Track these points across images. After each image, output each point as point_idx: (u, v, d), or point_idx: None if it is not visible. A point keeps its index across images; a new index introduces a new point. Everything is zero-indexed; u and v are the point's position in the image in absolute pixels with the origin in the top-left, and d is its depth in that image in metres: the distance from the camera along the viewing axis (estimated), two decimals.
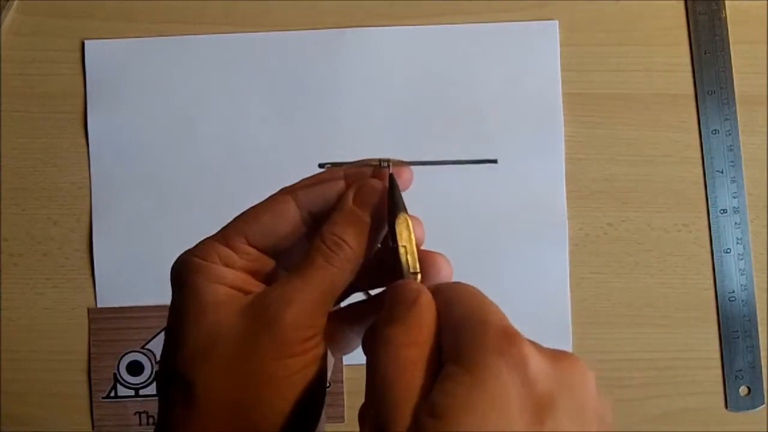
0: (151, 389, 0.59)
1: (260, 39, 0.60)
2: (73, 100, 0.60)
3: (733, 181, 0.59)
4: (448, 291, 0.27)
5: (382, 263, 0.32)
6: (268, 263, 0.32)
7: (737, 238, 0.59)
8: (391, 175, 0.31)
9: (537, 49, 0.60)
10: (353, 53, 0.60)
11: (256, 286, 0.31)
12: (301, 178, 0.33)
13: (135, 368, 0.59)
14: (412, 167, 0.32)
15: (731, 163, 0.59)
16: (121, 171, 0.59)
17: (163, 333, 0.57)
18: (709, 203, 0.59)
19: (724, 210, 0.59)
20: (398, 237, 0.30)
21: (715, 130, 0.59)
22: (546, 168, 0.59)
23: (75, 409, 0.59)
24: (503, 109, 0.59)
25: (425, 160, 0.33)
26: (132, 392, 0.59)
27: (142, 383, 0.59)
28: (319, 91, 0.60)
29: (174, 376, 0.29)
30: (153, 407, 0.59)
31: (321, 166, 0.32)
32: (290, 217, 0.32)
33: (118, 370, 0.59)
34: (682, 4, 0.60)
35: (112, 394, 0.59)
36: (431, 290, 0.27)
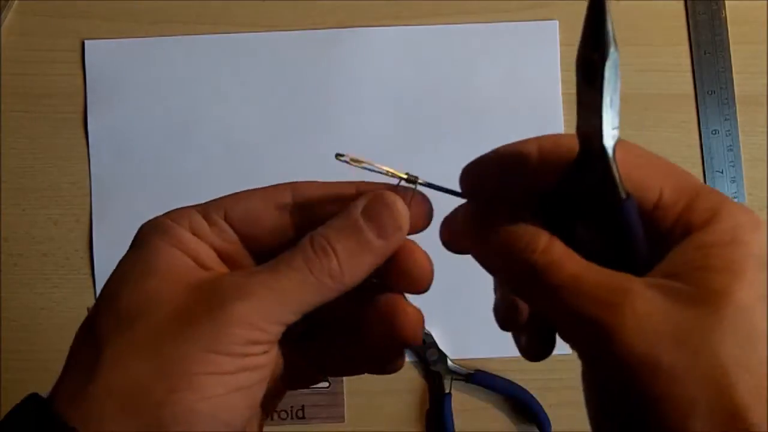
0: None
1: (260, 39, 0.60)
2: (73, 100, 0.60)
3: (733, 181, 0.59)
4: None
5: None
6: (243, 254, 0.28)
7: None
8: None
9: (537, 49, 0.60)
10: (353, 53, 0.60)
11: (220, 268, 0.27)
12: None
13: None
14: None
15: (731, 164, 0.59)
16: (121, 171, 0.59)
17: None
18: None
19: None
20: None
21: (715, 130, 0.59)
22: None
23: None
24: (503, 109, 0.59)
25: (447, 187, 0.29)
26: None
27: None
28: (319, 91, 0.60)
29: (87, 334, 0.26)
30: None
31: (338, 156, 0.28)
32: (280, 210, 0.28)
33: None
34: (682, 4, 0.60)
35: None
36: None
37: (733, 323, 0.21)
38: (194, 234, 0.27)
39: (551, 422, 0.57)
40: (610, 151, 0.23)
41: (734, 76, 0.59)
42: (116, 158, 0.59)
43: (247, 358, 0.25)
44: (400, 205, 0.27)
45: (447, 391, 0.57)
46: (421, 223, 0.29)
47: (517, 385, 0.57)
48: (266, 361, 0.26)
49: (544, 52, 0.60)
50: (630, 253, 0.24)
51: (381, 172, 0.27)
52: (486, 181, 0.28)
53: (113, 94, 0.60)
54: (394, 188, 0.28)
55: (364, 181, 0.29)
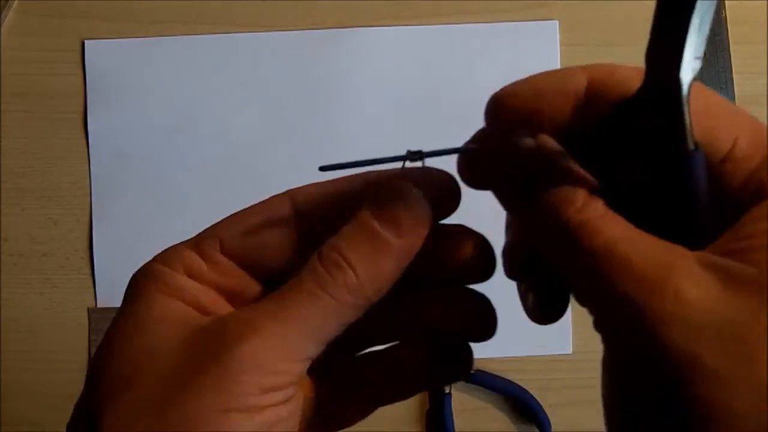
0: None
1: (259, 39, 0.60)
2: (73, 100, 0.60)
3: None
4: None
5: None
6: (250, 285, 0.25)
7: None
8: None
9: (537, 49, 0.60)
10: (353, 53, 0.60)
11: (226, 309, 0.24)
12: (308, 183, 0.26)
13: None
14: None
15: None
16: (121, 171, 0.59)
17: None
18: None
19: None
20: None
21: None
22: None
23: None
24: None
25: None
26: None
27: None
28: (319, 91, 0.60)
29: (81, 407, 0.22)
30: None
31: (322, 169, 0.24)
32: (282, 226, 0.24)
33: None
34: None
35: None
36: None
37: None
38: (190, 276, 0.24)
39: (551, 422, 0.57)
40: (685, 87, 0.19)
41: (734, 76, 0.59)
42: (116, 158, 0.59)
43: (267, 410, 0.21)
44: (414, 193, 0.23)
45: (447, 391, 0.57)
46: (446, 205, 0.25)
47: (517, 385, 0.57)
48: (291, 410, 0.22)
49: (544, 52, 0.60)
50: (688, 218, 0.20)
51: (378, 162, 0.23)
52: (518, 114, 0.23)
53: (113, 94, 0.60)
54: (403, 172, 0.24)
55: (369, 172, 0.25)
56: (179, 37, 0.60)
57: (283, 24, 0.60)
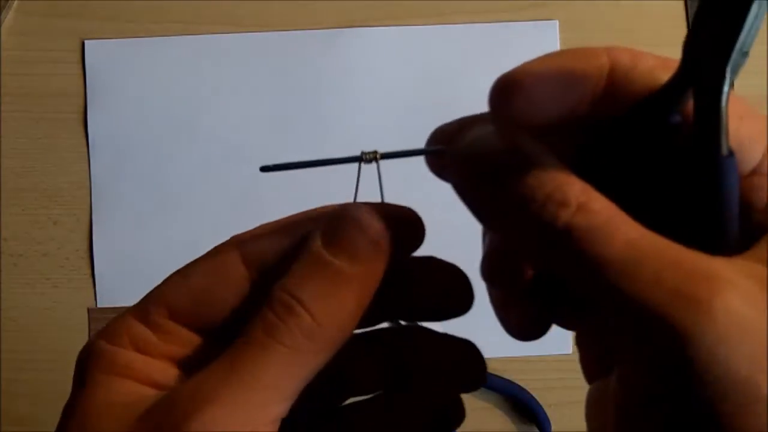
0: None
1: (260, 39, 0.60)
2: (73, 100, 0.60)
3: None
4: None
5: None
6: (205, 348, 0.22)
7: None
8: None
9: (537, 49, 0.59)
10: (353, 53, 0.60)
11: (180, 380, 0.21)
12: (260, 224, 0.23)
13: None
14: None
15: None
16: (121, 171, 0.59)
17: None
18: None
19: None
20: None
21: None
22: None
23: None
24: None
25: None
26: None
27: None
28: (319, 91, 0.60)
29: None
30: None
31: (263, 170, 0.23)
32: (233, 279, 0.22)
33: None
34: (682, 4, 0.60)
35: None
36: None
37: None
38: (139, 351, 0.21)
39: (551, 422, 0.57)
40: (726, 86, 0.17)
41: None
42: (116, 158, 0.59)
43: None
44: (366, 213, 0.21)
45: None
46: (410, 240, 0.22)
47: (517, 385, 0.57)
48: None
49: (544, 52, 0.59)
50: (717, 227, 0.18)
51: (328, 162, 0.21)
52: (534, 100, 0.19)
53: (113, 94, 0.60)
54: (362, 203, 0.21)
55: (324, 205, 0.23)
56: (179, 37, 0.60)
57: (283, 24, 0.60)
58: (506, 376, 0.57)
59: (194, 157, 0.59)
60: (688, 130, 0.18)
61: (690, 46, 0.18)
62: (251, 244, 0.22)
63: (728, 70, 0.17)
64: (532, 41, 0.60)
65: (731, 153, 0.18)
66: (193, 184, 0.59)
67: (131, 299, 0.60)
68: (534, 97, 0.19)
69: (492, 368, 0.57)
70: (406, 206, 0.22)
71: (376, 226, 0.21)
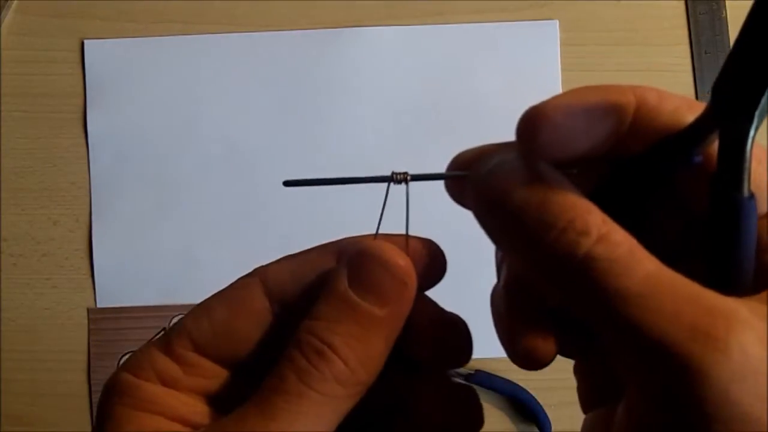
0: None
1: (260, 39, 0.60)
2: (73, 100, 0.60)
3: None
4: None
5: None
6: (229, 380, 0.22)
7: None
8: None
9: (537, 49, 0.60)
10: (353, 53, 0.60)
11: (210, 418, 0.21)
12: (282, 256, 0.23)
13: None
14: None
15: None
16: (121, 171, 0.59)
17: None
18: None
19: None
20: None
21: None
22: None
23: (75, 409, 0.59)
24: (503, 109, 0.59)
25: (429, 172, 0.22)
26: None
27: None
28: (319, 91, 0.60)
29: None
30: None
31: (286, 184, 0.22)
32: (255, 312, 0.22)
33: None
34: (682, 4, 0.60)
35: None
36: None
37: None
38: (165, 384, 0.21)
39: (551, 422, 0.57)
40: (753, 130, 0.17)
41: None
42: (116, 158, 0.59)
43: None
44: (392, 253, 0.20)
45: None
46: (431, 275, 0.22)
47: (517, 385, 0.57)
48: None
49: (544, 51, 0.60)
50: (732, 267, 0.18)
51: (356, 181, 0.21)
52: (559, 132, 0.19)
53: (113, 94, 0.60)
54: (378, 237, 0.21)
55: (345, 238, 0.22)
56: (179, 36, 0.60)
57: (284, 24, 0.60)
58: (506, 376, 0.57)
59: (194, 157, 0.59)
60: (709, 171, 0.18)
61: (720, 88, 0.18)
62: (273, 277, 0.22)
63: (757, 114, 0.17)
64: (532, 41, 0.60)
65: (752, 195, 0.18)
66: (192, 184, 0.59)
67: (131, 299, 0.60)
68: (561, 131, 0.19)
69: (492, 368, 0.57)
70: (427, 239, 0.22)
71: (401, 264, 0.20)
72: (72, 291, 0.59)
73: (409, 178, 0.21)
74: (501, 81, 0.59)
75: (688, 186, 0.19)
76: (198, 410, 0.21)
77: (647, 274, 0.17)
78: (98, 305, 0.59)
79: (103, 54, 0.60)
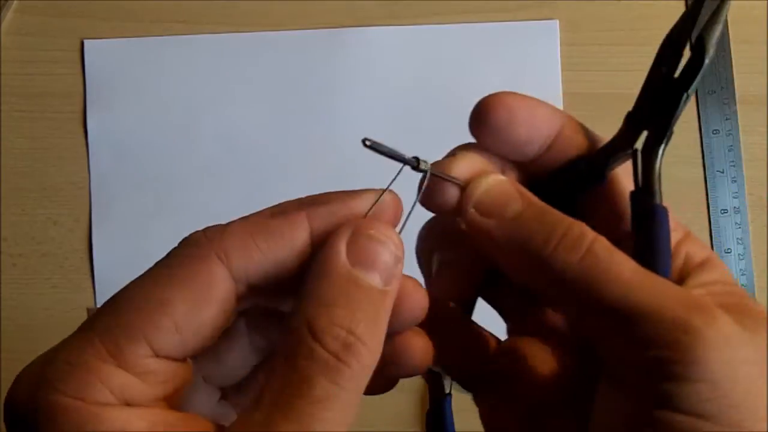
0: None
1: (260, 39, 0.60)
2: (73, 100, 0.60)
3: (733, 181, 0.59)
4: None
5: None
6: (188, 372, 0.20)
7: (737, 238, 0.59)
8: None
9: (537, 49, 0.60)
10: (353, 53, 0.60)
11: (170, 417, 0.18)
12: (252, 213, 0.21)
13: None
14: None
15: (732, 163, 0.59)
16: (121, 171, 0.59)
17: None
18: (710, 203, 0.59)
19: (724, 210, 0.59)
20: None
21: (715, 130, 0.59)
22: None
23: None
24: None
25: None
26: None
27: None
28: (319, 91, 0.60)
29: None
30: None
31: (365, 142, 0.22)
32: (220, 298, 0.19)
33: None
34: (682, 4, 0.60)
35: None
36: None
37: None
38: (128, 403, 0.18)
39: None
40: (662, 149, 0.22)
41: (735, 76, 0.59)
42: (116, 158, 0.59)
43: None
44: (390, 230, 0.20)
45: (447, 391, 0.57)
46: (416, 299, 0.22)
47: None
48: None
49: (544, 51, 0.60)
50: (654, 259, 0.22)
51: (393, 155, 0.22)
52: (506, 111, 0.24)
53: (113, 94, 0.60)
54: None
55: (306, 198, 0.21)
56: (179, 36, 0.60)
57: (284, 24, 0.60)
58: None
59: (194, 156, 0.59)
60: (615, 187, 0.23)
61: (635, 117, 0.24)
62: (236, 254, 0.19)
63: (665, 138, 0.23)
64: (532, 41, 0.60)
65: (663, 207, 0.22)
66: (192, 184, 0.59)
67: None
68: (514, 116, 0.23)
69: None
70: (389, 192, 0.22)
71: (395, 239, 0.20)
72: (72, 291, 0.59)
73: (429, 171, 0.23)
74: (501, 81, 0.59)
75: (604, 204, 0.23)
76: (170, 420, 0.18)
77: (633, 265, 0.20)
78: (98, 305, 0.59)
79: (103, 54, 0.60)
